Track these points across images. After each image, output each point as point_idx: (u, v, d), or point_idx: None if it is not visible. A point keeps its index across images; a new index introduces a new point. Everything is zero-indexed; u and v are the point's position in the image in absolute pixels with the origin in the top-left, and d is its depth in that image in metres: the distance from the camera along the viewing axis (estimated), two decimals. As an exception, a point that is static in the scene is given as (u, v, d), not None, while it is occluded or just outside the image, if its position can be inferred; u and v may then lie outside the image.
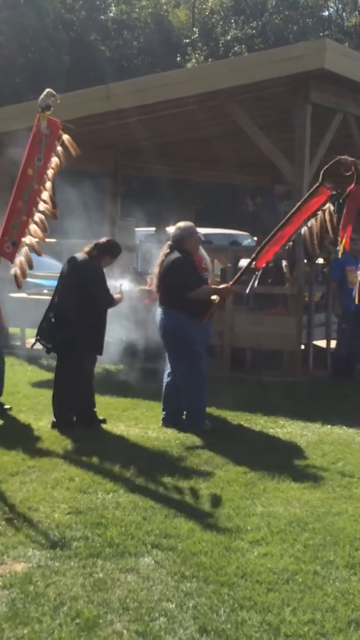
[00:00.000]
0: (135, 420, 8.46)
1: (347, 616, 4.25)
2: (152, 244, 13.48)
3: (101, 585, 4.53)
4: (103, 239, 8.41)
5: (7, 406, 8.71)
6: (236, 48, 40.80)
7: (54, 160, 7.21)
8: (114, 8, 45.38)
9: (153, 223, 15.68)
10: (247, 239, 19.01)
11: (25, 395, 9.60)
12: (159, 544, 5.12)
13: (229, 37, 42.59)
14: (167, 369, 8.35)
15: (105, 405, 9.01)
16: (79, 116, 11.88)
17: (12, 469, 6.60)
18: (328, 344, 12.01)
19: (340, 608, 4.34)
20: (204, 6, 46.19)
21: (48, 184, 7.21)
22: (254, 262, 7.76)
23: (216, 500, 5.98)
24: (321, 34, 41.72)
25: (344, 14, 49.30)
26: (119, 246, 8.42)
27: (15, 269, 7.32)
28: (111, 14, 45.23)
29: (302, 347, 11.34)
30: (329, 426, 8.37)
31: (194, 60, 39.96)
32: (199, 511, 5.74)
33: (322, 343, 12.13)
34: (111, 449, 7.27)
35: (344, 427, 8.35)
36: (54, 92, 7.20)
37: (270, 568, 4.80)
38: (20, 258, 7.27)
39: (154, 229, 15.39)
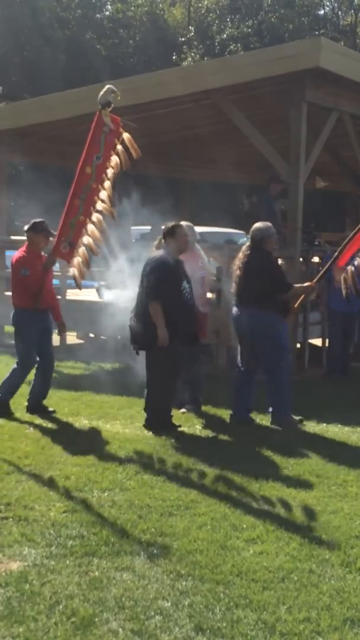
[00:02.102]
0: (131, 419, 8.46)
1: (343, 614, 4.25)
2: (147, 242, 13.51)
3: (97, 583, 4.53)
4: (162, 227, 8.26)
5: (50, 409, 8.61)
6: (232, 47, 40.80)
7: (114, 159, 7.07)
8: (109, 6, 45.35)
9: (148, 222, 15.66)
10: (243, 238, 19.00)
11: (21, 394, 9.55)
12: (155, 542, 5.12)
13: (225, 35, 42.59)
14: (240, 367, 8.50)
15: (100, 403, 9.01)
16: (74, 115, 11.91)
17: (8, 467, 6.59)
18: (323, 342, 12.03)
19: (335, 606, 4.34)
20: (200, 5, 46.19)
21: (107, 183, 7.08)
22: (336, 261, 7.90)
23: (212, 499, 5.98)
24: (316, 33, 41.74)
25: (339, 12, 49.33)
26: (177, 226, 8.14)
27: (73, 270, 7.25)
28: (107, 13, 45.21)
29: (298, 345, 11.34)
30: (325, 424, 8.37)
31: (189, 59, 39.95)
32: (195, 510, 5.74)
33: (317, 341, 12.15)
34: (107, 448, 7.27)
35: (340, 425, 8.36)
36: (114, 89, 7.08)
37: (265, 566, 4.80)
38: (77, 259, 7.20)
39: (149, 227, 15.38)
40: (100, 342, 11.56)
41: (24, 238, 8.54)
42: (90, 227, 7.08)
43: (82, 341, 12.83)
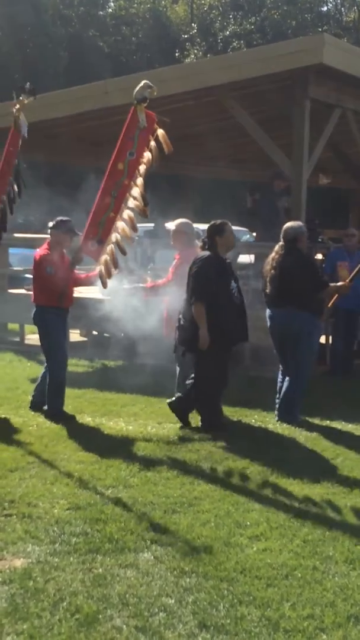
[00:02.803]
0: (134, 416, 8.46)
1: (346, 611, 4.26)
2: (152, 239, 13.51)
3: (101, 580, 4.54)
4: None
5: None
6: (235, 43, 40.78)
7: (146, 155, 7.00)
8: (112, 4, 45.35)
9: (152, 219, 15.67)
10: (246, 235, 19.01)
11: (24, 392, 9.59)
12: (159, 539, 5.13)
13: (228, 32, 42.57)
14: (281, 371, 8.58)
15: (104, 401, 9.02)
16: (77, 112, 11.90)
17: (12, 464, 6.60)
18: (327, 339, 12.01)
19: (339, 603, 4.35)
20: (203, 2, 46.16)
21: (139, 180, 7.00)
22: None
23: (215, 496, 5.98)
24: (320, 29, 41.68)
25: (342, 9, 49.28)
26: (224, 224, 8.06)
27: (100, 268, 7.19)
28: (109, 10, 45.20)
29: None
30: (328, 422, 8.37)
31: (192, 56, 39.91)
32: (198, 507, 5.74)
33: (321, 339, 12.12)
34: (110, 445, 7.27)
35: (343, 422, 8.35)
36: (150, 84, 6.99)
37: (269, 563, 4.81)
38: (105, 257, 7.14)
39: (152, 224, 15.39)
40: (103, 339, 11.55)
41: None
42: (121, 224, 6.99)
43: (85, 338, 12.82)
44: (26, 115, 13.18)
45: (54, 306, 8.17)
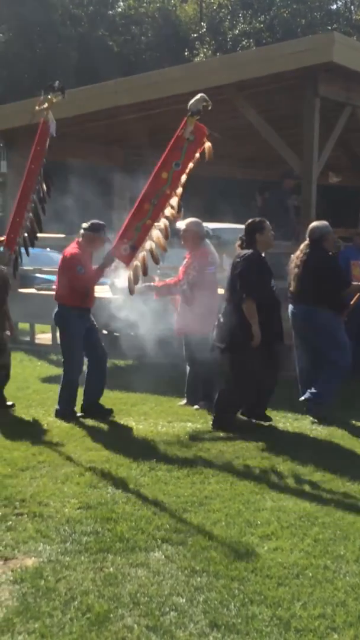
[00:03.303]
0: (144, 415, 8.47)
1: (358, 610, 4.25)
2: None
3: (112, 579, 4.54)
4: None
5: (107, 407, 8.46)
6: (244, 42, 40.72)
7: (190, 165, 7.02)
8: (121, 3, 45.38)
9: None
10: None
11: (35, 391, 9.62)
12: (169, 538, 5.13)
13: (237, 31, 42.50)
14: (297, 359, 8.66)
15: (114, 400, 9.02)
16: (87, 111, 11.93)
17: (22, 464, 6.61)
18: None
19: (350, 602, 4.34)
20: (212, 1, 46.11)
21: (179, 190, 7.03)
22: None
23: (226, 495, 5.98)
24: (329, 28, 41.59)
25: (352, 7, 49.12)
26: (263, 221, 8.11)
27: (129, 273, 7.19)
28: (119, 9, 45.22)
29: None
30: (339, 420, 8.35)
31: (201, 55, 39.88)
32: (209, 506, 5.74)
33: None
34: (121, 444, 7.28)
35: (353, 421, 8.33)
36: (206, 97, 7.03)
37: (280, 562, 4.80)
38: (136, 263, 7.14)
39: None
40: (113, 338, 11.56)
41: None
42: (156, 232, 7.00)
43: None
44: (36, 115, 13.22)
45: (77, 306, 8.16)
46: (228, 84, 10.95)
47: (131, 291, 7.26)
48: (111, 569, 4.68)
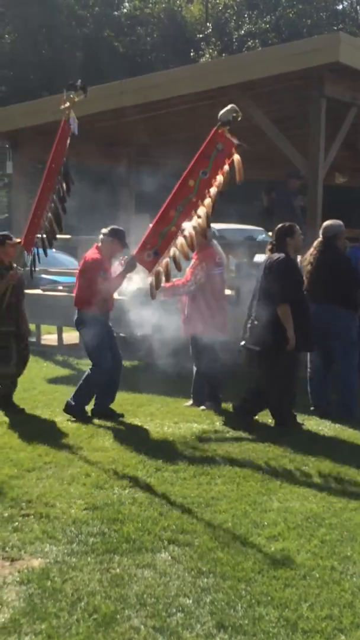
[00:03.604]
0: (150, 416, 8.46)
1: (365, 612, 4.24)
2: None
3: (118, 580, 4.54)
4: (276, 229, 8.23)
5: (118, 412, 8.44)
6: (250, 43, 40.71)
7: (219, 178, 7.03)
8: (127, 4, 45.40)
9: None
10: (262, 234, 18.97)
11: (41, 392, 9.62)
12: (176, 539, 5.12)
13: (243, 31, 42.51)
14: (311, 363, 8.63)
15: (120, 400, 9.00)
16: (93, 112, 11.91)
17: (29, 464, 6.61)
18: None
19: (357, 603, 4.33)
20: (217, 1, 46.10)
21: (207, 201, 7.03)
22: None
23: (232, 496, 5.97)
24: (335, 28, 41.55)
25: (358, 7, 49.07)
26: (293, 225, 8.16)
27: (151, 279, 7.17)
28: (124, 10, 45.24)
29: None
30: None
31: (207, 56, 39.88)
32: (216, 507, 5.74)
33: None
34: (127, 445, 7.28)
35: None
36: (236, 108, 7.06)
37: (287, 564, 4.79)
38: (159, 269, 7.12)
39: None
40: (120, 339, 11.56)
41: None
42: (181, 240, 7.00)
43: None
44: (41, 116, 13.26)
45: (98, 311, 8.11)
46: (234, 84, 10.94)
47: (152, 296, 7.25)
48: (118, 570, 4.68)
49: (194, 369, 8.93)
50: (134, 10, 44.53)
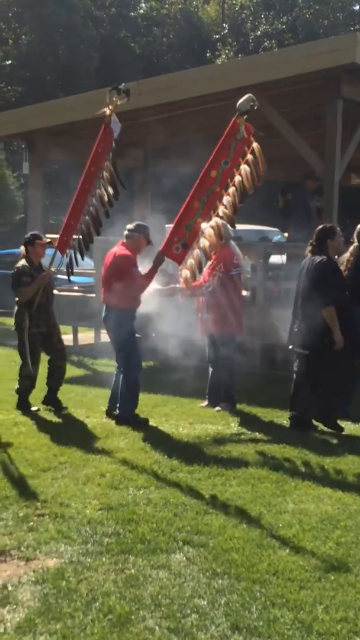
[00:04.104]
0: (165, 417, 8.47)
1: (380, 614, 4.22)
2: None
3: (133, 581, 4.54)
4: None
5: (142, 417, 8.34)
6: (266, 43, 40.68)
7: (244, 168, 7.01)
8: (143, 5, 45.45)
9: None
10: (277, 235, 18.94)
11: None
12: (191, 540, 5.12)
13: (259, 32, 42.46)
14: None
15: (135, 401, 9.02)
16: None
17: (44, 464, 6.63)
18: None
19: (373, 606, 4.31)
20: (234, 2, 46.09)
21: (232, 189, 6.99)
22: None
23: (247, 497, 5.96)
24: (352, 29, 41.45)
25: (375, 8, 48.93)
26: (334, 227, 8.20)
27: (185, 272, 7.15)
28: (141, 11, 45.28)
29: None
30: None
31: (223, 56, 39.88)
32: (230, 508, 5.73)
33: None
34: (142, 445, 7.28)
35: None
36: (254, 97, 7.08)
37: (302, 565, 4.78)
38: (190, 261, 7.09)
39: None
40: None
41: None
42: (209, 230, 6.97)
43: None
44: (57, 117, 13.30)
45: (128, 308, 8.06)
46: (250, 85, 10.92)
47: (188, 289, 7.20)
48: (132, 571, 4.68)
49: (210, 369, 8.93)
50: (151, 11, 44.57)
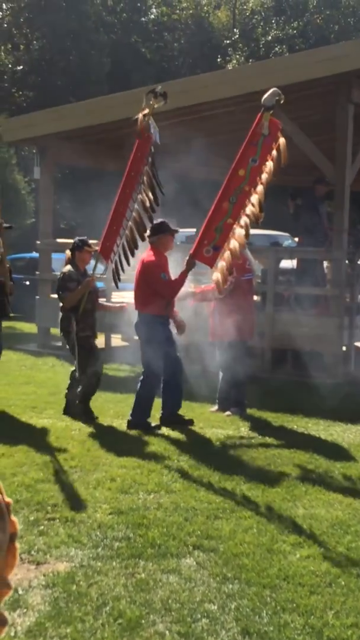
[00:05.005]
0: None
1: (391, 620, 4.21)
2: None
3: (143, 585, 4.54)
4: None
5: (187, 418, 8.36)
6: (277, 48, 40.66)
7: (269, 164, 6.95)
8: (154, 10, 45.46)
9: (194, 224, 15.69)
10: (288, 240, 18.93)
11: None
12: (201, 545, 5.12)
13: (270, 37, 42.43)
14: None
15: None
16: (120, 118, 11.94)
17: (54, 468, 6.63)
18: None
19: (383, 612, 4.30)
20: (245, 7, 46.09)
21: (260, 188, 6.92)
22: None
23: (258, 502, 5.96)
24: (362, 34, 41.43)
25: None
26: None
27: (216, 275, 7.09)
28: (152, 16, 45.31)
29: (344, 348, 11.27)
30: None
31: (234, 61, 39.88)
32: (240, 513, 5.73)
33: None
34: (152, 450, 7.28)
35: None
36: (279, 92, 6.99)
37: (312, 571, 4.77)
38: (222, 263, 7.03)
39: (194, 229, 15.40)
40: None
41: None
42: (239, 230, 6.89)
43: (126, 343, 12.87)
44: (68, 122, 13.32)
45: (160, 314, 8.00)
46: (261, 90, 10.93)
47: (220, 292, 7.15)
48: (143, 575, 4.68)
49: (220, 374, 8.93)
50: (162, 16, 44.60)
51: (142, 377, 8.20)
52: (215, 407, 8.97)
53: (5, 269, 8.67)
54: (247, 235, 6.88)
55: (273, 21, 43.86)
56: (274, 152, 6.91)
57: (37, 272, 14.12)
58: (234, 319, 8.52)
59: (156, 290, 7.96)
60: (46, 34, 36.38)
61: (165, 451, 7.25)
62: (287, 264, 12.59)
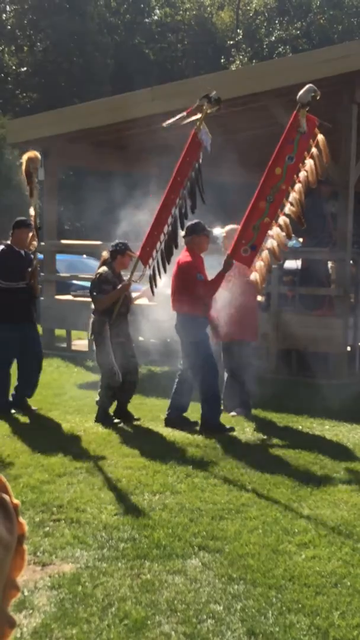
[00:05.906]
0: (181, 422, 8.46)
1: None
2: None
3: (149, 586, 4.54)
4: None
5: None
6: (280, 49, 40.67)
7: (308, 162, 6.88)
8: (158, 11, 45.49)
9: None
10: (292, 241, 18.90)
11: (71, 397, 9.66)
12: (206, 546, 5.12)
13: (273, 38, 42.46)
14: None
15: (150, 406, 9.03)
16: (124, 119, 11.97)
17: (60, 470, 6.64)
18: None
19: (389, 612, 4.29)
20: (248, 7, 46.10)
21: (297, 186, 6.84)
22: None
23: (263, 502, 5.96)
24: (366, 34, 41.41)
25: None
26: None
27: (254, 275, 7.04)
28: (155, 17, 45.34)
29: (348, 348, 11.26)
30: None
31: (238, 62, 39.90)
32: (246, 513, 5.72)
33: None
34: (157, 451, 7.28)
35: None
36: (314, 88, 6.91)
37: (318, 571, 4.77)
38: (259, 263, 6.97)
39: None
40: (150, 345, 11.59)
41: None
42: (276, 230, 6.82)
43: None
44: (72, 124, 13.33)
45: (198, 314, 7.98)
46: (265, 91, 10.95)
47: (259, 292, 7.10)
48: (148, 576, 4.68)
49: (225, 375, 8.93)
50: (165, 17, 44.62)
51: (197, 380, 8.10)
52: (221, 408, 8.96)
53: (37, 272, 8.61)
54: (288, 235, 6.82)
55: (276, 22, 43.88)
56: (314, 150, 6.83)
57: (41, 274, 14.12)
58: (238, 319, 8.50)
59: (192, 291, 7.92)
60: (50, 36, 36.41)
61: (170, 452, 7.25)
62: (292, 264, 12.57)
